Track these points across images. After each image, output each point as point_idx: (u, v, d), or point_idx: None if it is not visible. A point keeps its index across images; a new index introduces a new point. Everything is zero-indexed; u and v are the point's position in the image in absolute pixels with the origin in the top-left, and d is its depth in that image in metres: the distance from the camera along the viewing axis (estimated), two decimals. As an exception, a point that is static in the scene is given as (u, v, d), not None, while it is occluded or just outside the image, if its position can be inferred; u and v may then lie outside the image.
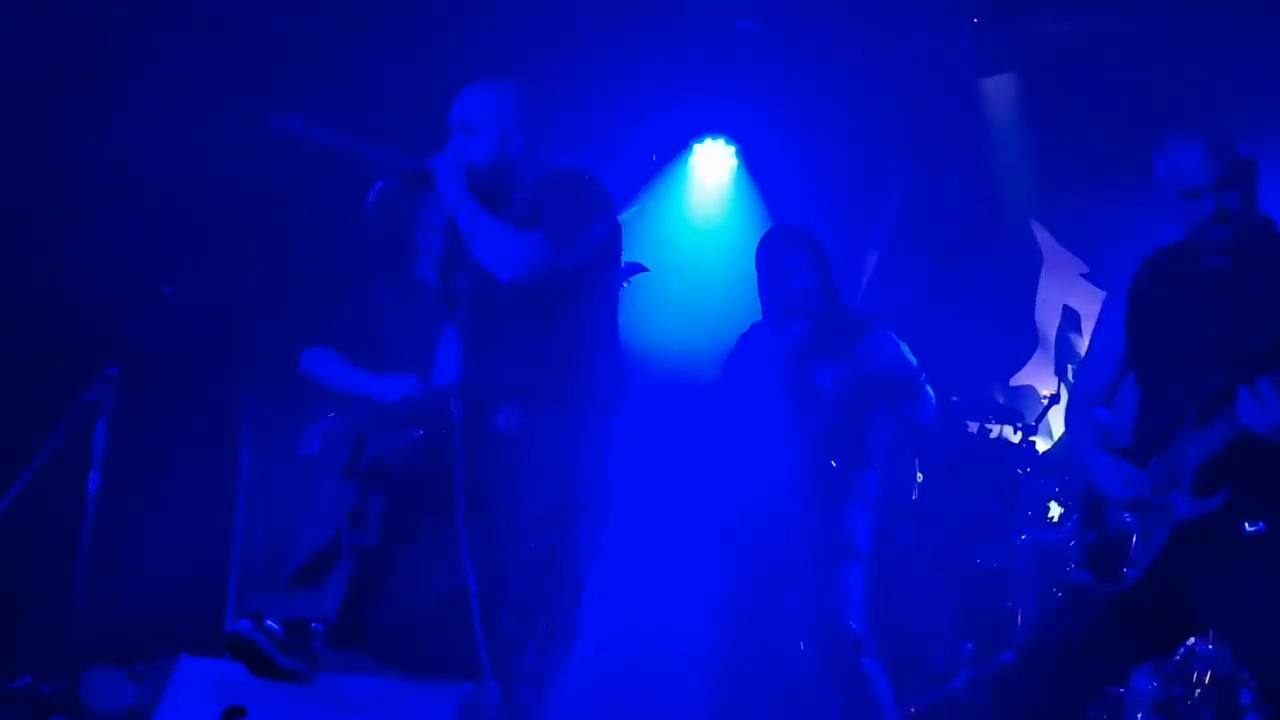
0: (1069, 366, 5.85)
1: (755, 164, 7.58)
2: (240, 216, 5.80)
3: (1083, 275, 7.07)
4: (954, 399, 6.44)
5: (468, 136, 3.74)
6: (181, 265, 5.53)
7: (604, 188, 3.81)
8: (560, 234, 3.61)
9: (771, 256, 4.83)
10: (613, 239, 3.82)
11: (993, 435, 6.17)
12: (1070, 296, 6.98)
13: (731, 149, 7.57)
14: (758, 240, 5.03)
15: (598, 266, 3.77)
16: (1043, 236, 7.36)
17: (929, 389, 4.68)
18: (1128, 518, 3.29)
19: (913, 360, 4.59)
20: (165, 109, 5.65)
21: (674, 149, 7.49)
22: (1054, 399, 5.99)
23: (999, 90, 7.04)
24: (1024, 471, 5.86)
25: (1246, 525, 3.12)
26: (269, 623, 3.36)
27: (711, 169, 7.60)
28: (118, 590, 5.15)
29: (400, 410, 3.75)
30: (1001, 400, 6.59)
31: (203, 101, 5.74)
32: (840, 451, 4.54)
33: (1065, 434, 5.44)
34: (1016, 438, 6.00)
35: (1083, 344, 4.88)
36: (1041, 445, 5.98)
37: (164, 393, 5.57)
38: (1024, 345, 7.27)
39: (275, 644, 3.36)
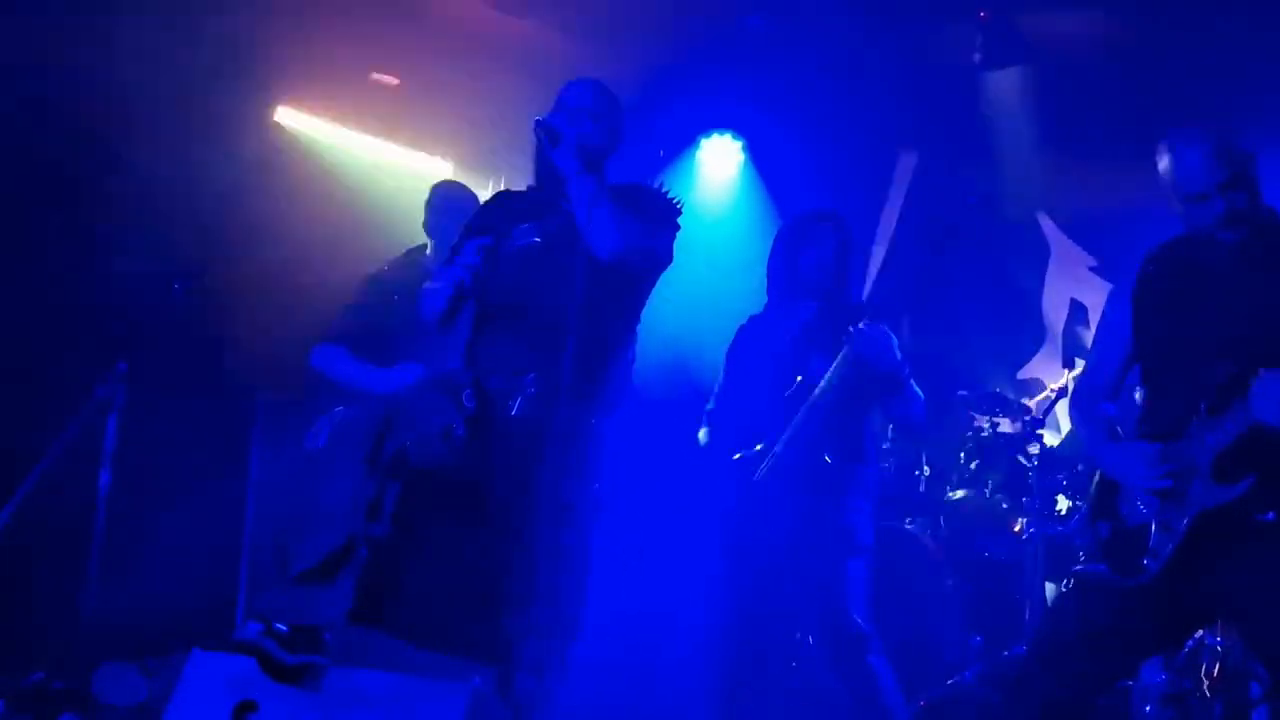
0: (1077, 360, 5.84)
1: (762, 159, 7.59)
2: (250, 212, 5.81)
3: (1090, 269, 7.06)
4: (961, 392, 6.43)
5: (591, 120, 3.83)
6: (191, 261, 5.55)
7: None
8: (655, 227, 3.81)
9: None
10: (670, 250, 3.93)
11: (1000, 429, 6.16)
12: (1078, 290, 6.97)
13: (738, 144, 7.58)
14: (766, 233, 5.03)
15: (655, 269, 3.90)
16: (1050, 230, 7.35)
17: (916, 387, 4.64)
18: (1144, 508, 3.28)
19: (898, 355, 4.54)
20: (176, 104, 5.67)
21: (681, 144, 7.50)
22: (1061, 392, 5.98)
23: (1006, 84, 7.03)
24: (1031, 465, 5.86)
25: (1257, 515, 3.12)
26: (278, 626, 3.37)
27: (719, 164, 7.61)
28: (129, 586, 5.16)
29: (419, 401, 3.74)
30: (1009, 394, 6.59)
31: (213, 97, 5.75)
32: (837, 445, 4.53)
33: (1072, 427, 5.44)
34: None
35: (1090, 337, 4.87)
36: (1049, 439, 5.97)
37: (174, 389, 5.59)
38: (1031, 339, 7.27)
39: (283, 645, 3.36)
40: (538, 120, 3.74)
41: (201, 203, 5.69)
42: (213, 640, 3.70)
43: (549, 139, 3.71)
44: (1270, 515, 3.12)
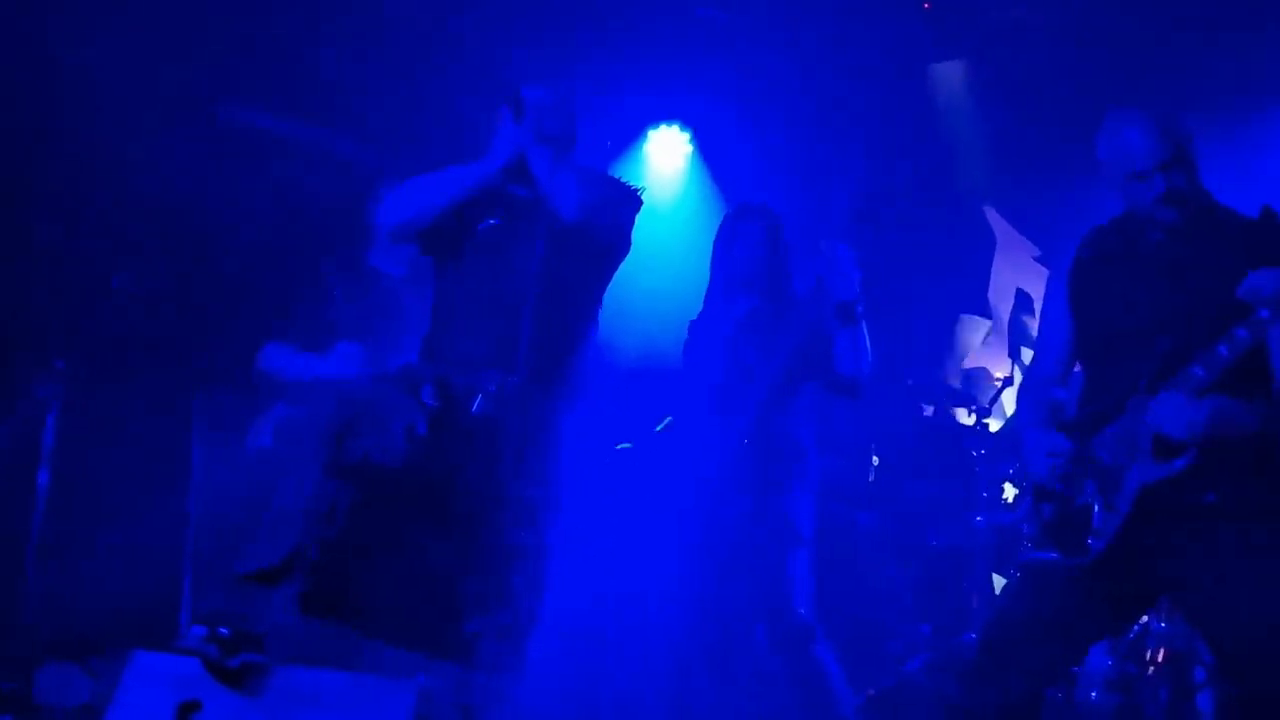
0: (1023, 349, 5.89)
1: (710, 150, 7.59)
2: (188, 207, 5.75)
3: (1035, 258, 7.11)
4: (909, 382, 6.46)
5: (549, 115, 3.85)
6: (130, 257, 5.48)
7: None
8: (617, 195, 3.88)
9: (728, 225, 4.85)
10: (630, 232, 3.95)
11: (947, 418, 6.20)
12: (1023, 279, 7.02)
13: (686, 135, 7.57)
14: (715, 225, 5.04)
15: (615, 254, 3.91)
16: (996, 220, 7.40)
17: (865, 331, 4.60)
18: (1088, 489, 3.29)
19: (857, 288, 4.52)
20: (113, 99, 5.59)
21: (629, 136, 7.49)
22: (1008, 381, 6.03)
23: (951, 75, 7.06)
24: (979, 454, 5.89)
25: (1199, 495, 3.14)
26: (220, 630, 3.35)
27: (667, 156, 7.60)
28: (70, 586, 5.10)
29: (380, 399, 3.71)
30: (956, 383, 6.62)
31: (150, 91, 5.68)
32: (777, 437, 4.53)
33: (1014, 414, 5.47)
34: (970, 420, 6.03)
35: (1035, 326, 4.94)
36: (995, 427, 6.02)
37: (113, 386, 5.53)
38: (978, 329, 7.32)
39: (224, 650, 3.33)
40: (508, 92, 3.75)
41: (140, 196, 5.61)
42: (156, 641, 3.65)
43: (513, 111, 3.72)
44: (1211, 496, 3.15)
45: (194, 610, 4.67)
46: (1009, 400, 6.03)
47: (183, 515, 5.59)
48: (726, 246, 4.79)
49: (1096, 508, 3.25)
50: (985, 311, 7.29)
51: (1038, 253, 7.13)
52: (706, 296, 4.88)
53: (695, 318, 4.99)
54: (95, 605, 5.23)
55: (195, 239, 5.81)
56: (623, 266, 4.04)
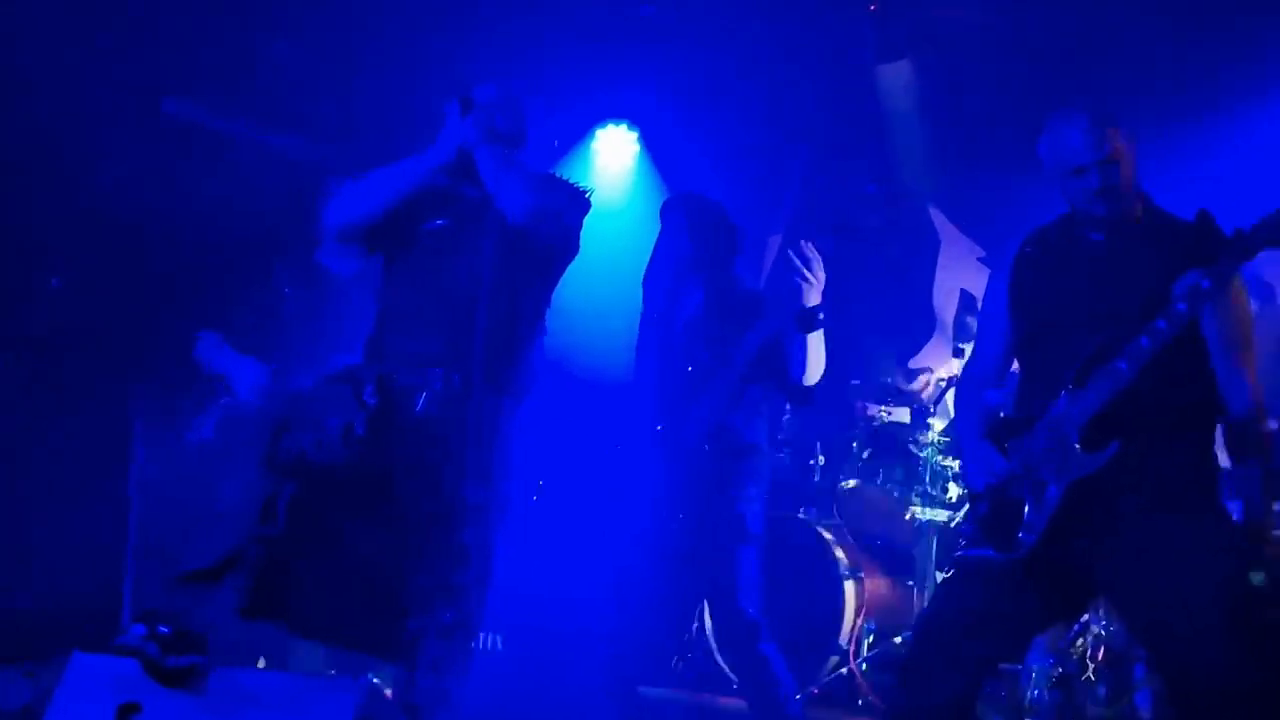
0: (965, 349, 5.92)
1: (657, 149, 7.60)
2: (130, 204, 5.69)
3: (979, 259, 7.17)
4: (854, 382, 6.50)
5: (499, 113, 3.85)
6: (69, 255, 5.43)
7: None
8: (565, 199, 3.85)
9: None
10: (579, 234, 3.93)
11: (892, 418, 6.23)
12: (967, 280, 7.06)
13: (634, 134, 7.59)
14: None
15: (563, 256, 3.90)
16: (940, 221, 7.45)
17: (822, 340, 4.59)
18: (1021, 485, 3.31)
19: (820, 296, 4.52)
20: (53, 93, 5.53)
21: (576, 135, 7.49)
22: (952, 381, 6.06)
23: (897, 76, 7.10)
24: (922, 453, 5.94)
25: (1124, 497, 3.18)
26: (161, 629, 3.32)
27: (614, 154, 7.61)
28: (9, 587, 5.05)
29: (319, 397, 3.69)
30: (901, 383, 6.66)
31: (92, 86, 5.63)
32: (733, 433, 4.54)
33: (954, 415, 5.51)
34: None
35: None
36: (939, 427, 6.06)
37: (52, 383, 5.47)
38: (922, 328, 7.36)
39: (164, 649, 3.31)
40: (455, 88, 3.74)
41: (80, 192, 5.56)
42: (96, 642, 3.62)
43: (461, 106, 3.72)
44: (1136, 491, 3.17)
45: (135, 608, 4.64)
46: (952, 400, 6.07)
47: (123, 513, 5.55)
48: (656, 242, 4.80)
49: (1028, 503, 3.28)
50: (929, 311, 7.34)
51: (982, 253, 7.18)
52: (644, 294, 4.87)
53: (644, 316, 4.98)
54: (35, 606, 5.18)
55: (137, 235, 5.75)
56: (571, 267, 4.03)
